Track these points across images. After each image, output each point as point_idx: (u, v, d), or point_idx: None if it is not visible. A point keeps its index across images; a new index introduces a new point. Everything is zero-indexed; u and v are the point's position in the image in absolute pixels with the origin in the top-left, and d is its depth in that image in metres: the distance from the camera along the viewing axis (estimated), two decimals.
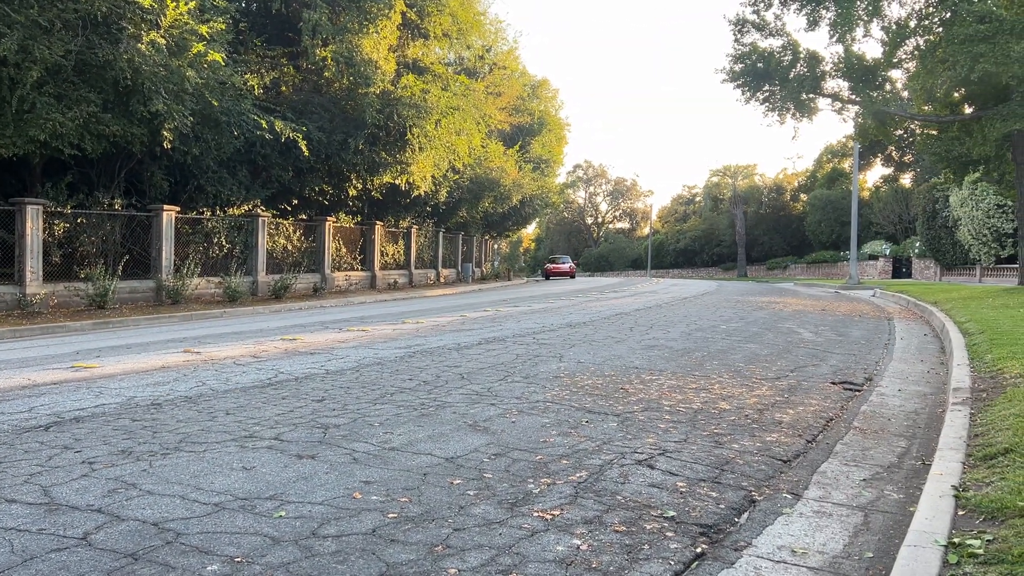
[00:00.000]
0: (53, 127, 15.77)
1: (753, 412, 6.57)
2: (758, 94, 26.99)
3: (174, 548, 3.47)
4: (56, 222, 18.54)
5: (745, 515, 4.07)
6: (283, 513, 3.94)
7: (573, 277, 55.46)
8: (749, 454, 5.22)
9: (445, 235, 40.87)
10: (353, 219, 31.91)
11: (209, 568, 3.25)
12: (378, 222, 32.37)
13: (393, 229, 34.60)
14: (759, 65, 26.19)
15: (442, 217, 39.82)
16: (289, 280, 24.04)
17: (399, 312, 18.86)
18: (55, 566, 3.26)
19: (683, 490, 4.42)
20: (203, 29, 17.39)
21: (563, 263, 57.17)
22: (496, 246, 59.38)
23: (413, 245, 35.77)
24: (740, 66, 26.72)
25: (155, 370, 8.86)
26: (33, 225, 17.22)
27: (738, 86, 27.16)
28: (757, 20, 26.27)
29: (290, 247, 26.44)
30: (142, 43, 16.02)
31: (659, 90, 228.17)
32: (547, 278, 53.95)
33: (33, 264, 17.21)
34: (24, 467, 4.77)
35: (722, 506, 4.18)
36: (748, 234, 73.71)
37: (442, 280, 39.49)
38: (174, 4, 16.58)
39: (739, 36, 26.67)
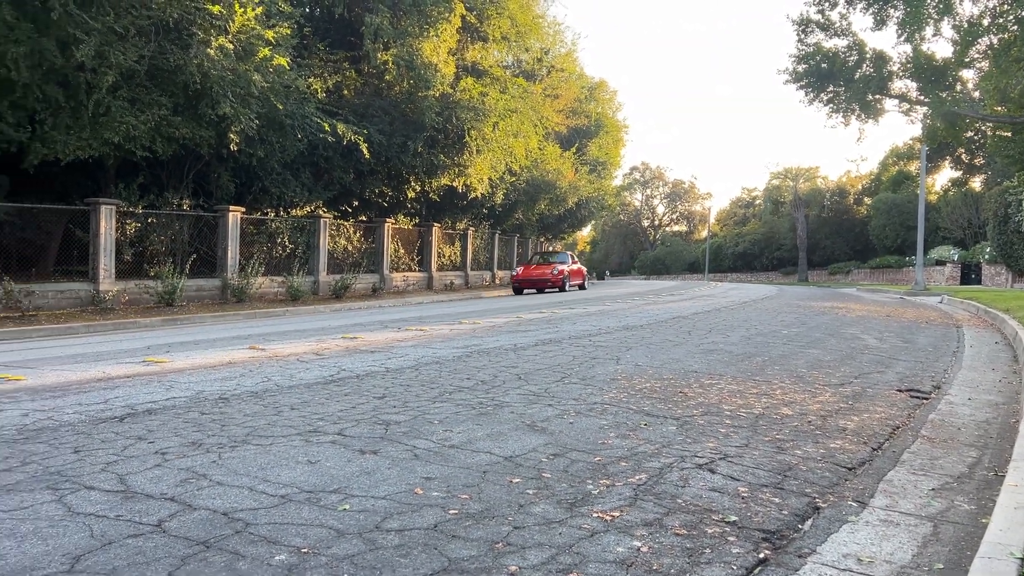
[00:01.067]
0: (127, 130, 16.38)
1: (816, 418, 6.44)
2: (822, 95, 26.49)
3: (243, 537, 3.57)
4: (128, 222, 19.22)
5: (809, 522, 4.00)
6: (347, 506, 4.02)
7: (563, 289, 31.18)
8: (812, 460, 5.12)
9: (501, 237, 41.02)
10: (411, 220, 32.30)
11: (277, 558, 3.33)
12: (435, 224, 32.68)
13: (450, 231, 34.88)
14: (823, 66, 25.69)
15: (498, 219, 40.00)
16: (349, 280, 24.46)
17: (455, 312, 18.99)
18: (132, 551, 3.39)
19: (745, 495, 4.36)
20: (269, 34, 17.83)
21: (552, 261, 32.88)
22: (551, 248, 59.27)
23: (469, 247, 36.00)
24: (803, 67, 26.26)
25: (222, 366, 9.11)
26: (106, 224, 17.89)
27: (801, 87, 26.70)
28: (822, 20, 25.77)
29: (350, 248, 26.89)
30: (211, 48, 16.51)
31: (716, 90, 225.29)
32: (517, 292, 30.50)
33: (106, 262, 17.87)
34: (101, 456, 4.96)
35: (785, 512, 4.11)
36: (809, 238, 72.14)
37: (497, 282, 39.64)
38: (242, 10, 17.04)
39: (803, 36, 26.22)
